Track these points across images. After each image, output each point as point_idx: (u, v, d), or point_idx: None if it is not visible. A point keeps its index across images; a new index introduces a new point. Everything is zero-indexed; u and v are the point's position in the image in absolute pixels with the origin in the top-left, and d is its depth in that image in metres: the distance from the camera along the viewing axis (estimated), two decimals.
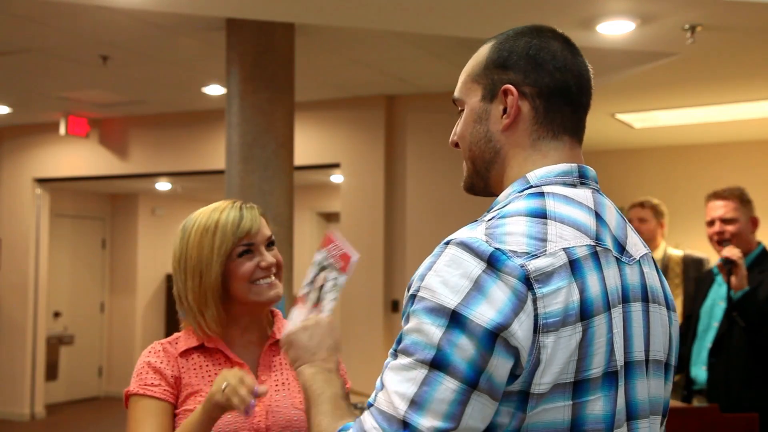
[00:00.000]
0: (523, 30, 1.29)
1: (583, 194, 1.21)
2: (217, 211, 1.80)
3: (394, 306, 6.85)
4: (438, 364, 1.04)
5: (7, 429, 8.29)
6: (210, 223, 1.78)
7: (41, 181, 8.71)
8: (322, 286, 1.48)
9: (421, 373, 1.05)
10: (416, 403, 1.04)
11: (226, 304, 1.80)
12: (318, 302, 1.47)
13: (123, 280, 10.37)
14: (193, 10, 4.69)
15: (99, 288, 10.42)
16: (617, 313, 1.15)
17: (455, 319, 1.05)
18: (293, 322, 1.46)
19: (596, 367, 1.11)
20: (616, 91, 6.04)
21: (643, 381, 1.20)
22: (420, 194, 6.95)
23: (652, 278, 1.26)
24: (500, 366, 1.06)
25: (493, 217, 1.15)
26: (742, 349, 3.30)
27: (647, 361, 1.21)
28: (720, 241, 3.42)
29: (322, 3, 4.42)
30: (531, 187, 1.21)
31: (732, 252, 3.28)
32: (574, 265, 1.11)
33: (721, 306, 3.44)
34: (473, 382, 1.04)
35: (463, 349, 1.04)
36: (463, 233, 1.13)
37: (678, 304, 4.16)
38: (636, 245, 1.25)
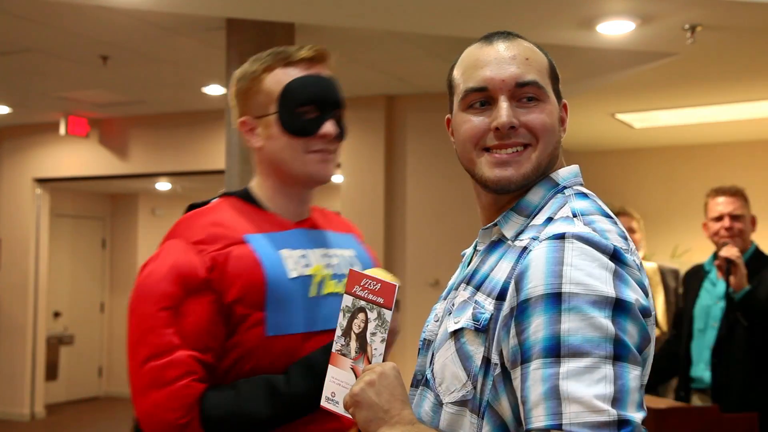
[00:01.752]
0: (536, 44, 1.31)
1: None
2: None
3: (395, 306, 6.84)
4: (620, 355, 1.00)
5: (7, 429, 8.28)
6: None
7: (41, 181, 8.71)
8: (362, 332, 1.28)
9: (608, 369, 0.98)
10: (620, 400, 0.97)
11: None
12: (362, 350, 1.28)
13: (123, 280, 10.37)
14: (193, 10, 4.69)
15: (99, 288, 10.42)
16: None
17: (620, 306, 1.02)
18: (336, 383, 1.29)
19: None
20: (616, 91, 6.04)
21: None
22: (420, 194, 6.95)
23: None
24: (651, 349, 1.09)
25: (575, 214, 1.14)
26: (744, 349, 3.30)
27: None
28: (728, 236, 3.42)
29: (322, 3, 4.42)
30: (564, 187, 1.23)
31: (730, 252, 3.28)
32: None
33: (719, 305, 3.44)
34: (643, 365, 1.05)
35: (632, 335, 1.02)
36: (570, 228, 1.10)
37: (660, 312, 4.20)
38: None
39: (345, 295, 1.31)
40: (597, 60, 5.42)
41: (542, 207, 1.20)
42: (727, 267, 3.27)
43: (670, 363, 3.63)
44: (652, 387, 3.68)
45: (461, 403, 1.15)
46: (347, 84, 7.14)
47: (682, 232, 7.19)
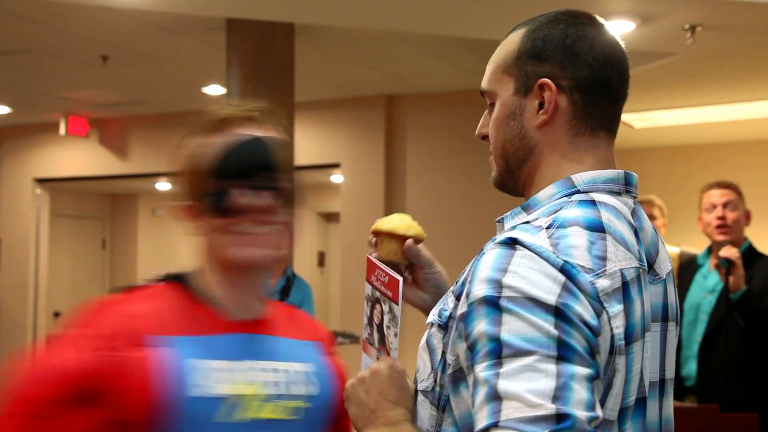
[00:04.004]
0: (556, 16, 1.21)
1: (625, 205, 1.14)
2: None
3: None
4: (564, 355, 0.95)
5: None
6: None
7: (41, 181, 8.71)
8: (380, 324, 1.25)
9: (551, 366, 0.94)
10: (560, 397, 0.92)
11: None
12: (383, 341, 1.24)
13: (123, 280, 10.38)
14: (193, 10, 4.69)
15: (99, 288, 10.42)
16: (648, 337, 1.10)
17: (560, 315, 0.97)
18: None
19: (632, 395, 1.06)
20: None
21: (655, 402, 1.14)
22: (420, 194, 6.95)
23: (673, 296, 1.20)
24: (601, 364, 1.00)
25: (551, 225, 1.06)
26: (733, 343, 3.31)
27: (663, 381, 1.16)
28: (720, 226, 3.42)
29: (322, 3, 4.42)
30: (578, 192, 1.13)
31: (730, 252, 3.28)
32: (624, 288, 1.05)
33: (708, 299, 3.45)
34: (597, 369, 0.98)
35: (579, 340, 0.96)
36: (526, 237, 1.04)
37: None
38: (664, 262, 1.20)
39: (366, 284, 1.28)
40: None
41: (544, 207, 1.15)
42: (727, 267, 3.28)
43: None
44: None
45: (424, 392, 1.14)
46: (347, 84, 7.16)
47: (682, 232, 7.18)
